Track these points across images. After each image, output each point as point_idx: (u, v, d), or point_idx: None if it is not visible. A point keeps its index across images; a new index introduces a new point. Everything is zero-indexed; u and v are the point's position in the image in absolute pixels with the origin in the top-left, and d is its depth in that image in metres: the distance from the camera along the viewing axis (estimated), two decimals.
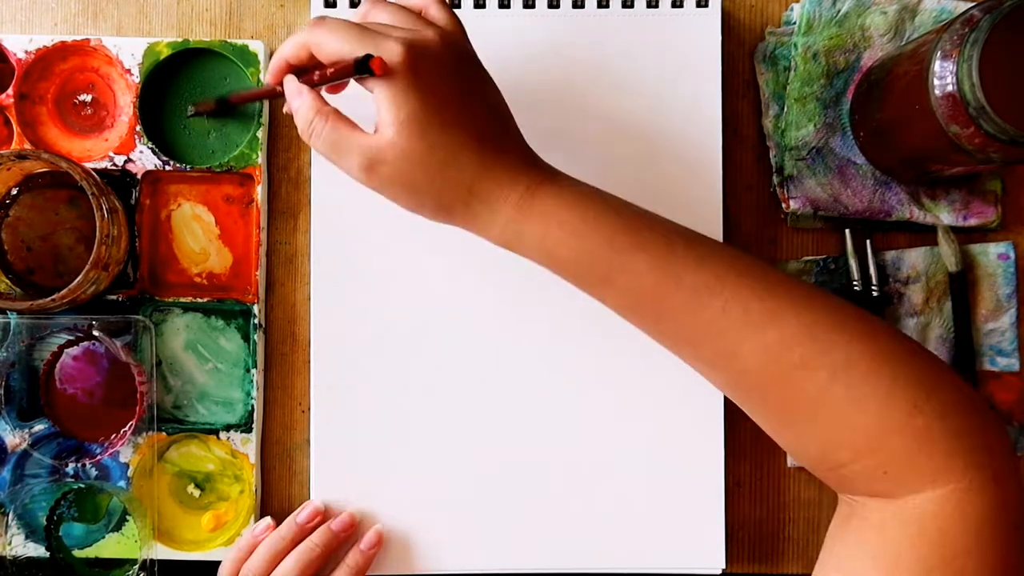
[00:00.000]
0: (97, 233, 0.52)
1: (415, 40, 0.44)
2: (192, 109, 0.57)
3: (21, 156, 0.53)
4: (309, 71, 0.47)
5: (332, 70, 0.45)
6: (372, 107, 0.44)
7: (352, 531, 0.56)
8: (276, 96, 0.50)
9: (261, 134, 0.57)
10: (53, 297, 0.51)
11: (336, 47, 0.44)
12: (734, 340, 0.43)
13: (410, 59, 0.43)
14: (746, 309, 0.43)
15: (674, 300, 0.44)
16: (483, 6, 0.57)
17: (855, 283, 0.57)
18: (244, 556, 0.56)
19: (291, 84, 0.47)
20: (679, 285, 0.43)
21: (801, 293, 0.43)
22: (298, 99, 0.46)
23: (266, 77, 0.50)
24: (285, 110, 0.49)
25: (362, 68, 0.42)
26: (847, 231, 0.58)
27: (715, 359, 0.44)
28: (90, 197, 0.52)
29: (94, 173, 0.53)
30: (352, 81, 0.45)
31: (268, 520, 0.56)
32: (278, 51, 0.47)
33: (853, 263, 0.57)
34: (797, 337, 0.42)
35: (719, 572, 0.57)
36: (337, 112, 0.45)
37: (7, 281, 0.56)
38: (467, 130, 0.44)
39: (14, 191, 0.57)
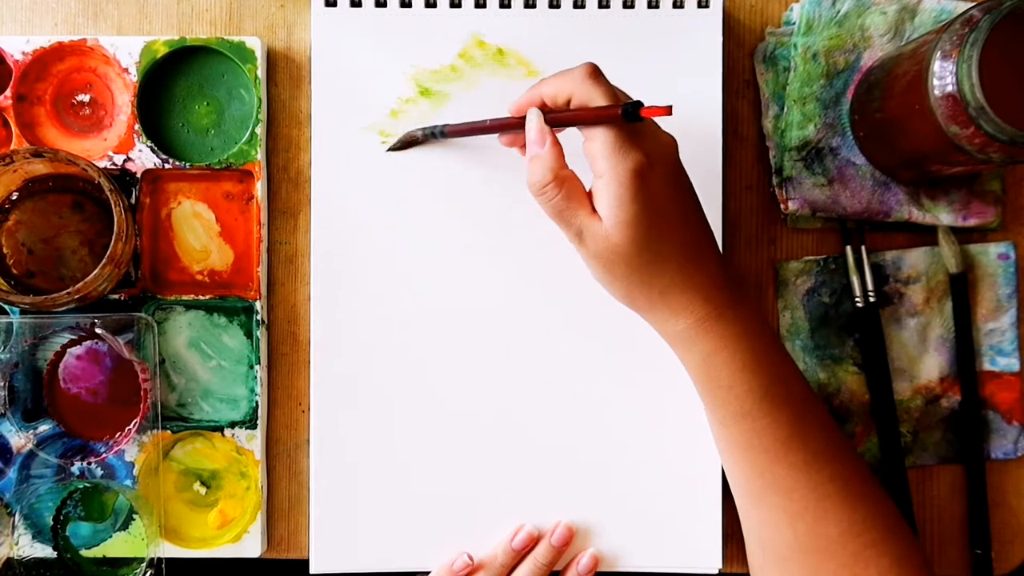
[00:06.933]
0: (115, 228, 0.52)
1: (660, 146, 0.46)
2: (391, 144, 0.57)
3: (37, 154, 0.53)
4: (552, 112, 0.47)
5: (581, 114, 0.46)
6: None
7: (571, 542, 0.57)
8: (497, 132, 0.51)
9: (260, 130, 0.57)
10: (68, 290, 0.51)
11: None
12: (823, 505, 0.46)
13: (644, 167, 0.44)
14: (846, 485, 0.47)
15: (794, 456, 0.46)
16: (483, 6, 0.57)
17: (856, 299, 0.58)
18: None
19: (536, 122, 0.47)
20: (804, 446, 0.47)
21: (876, 491, 0.48)
22: (539, 149, 0.47)
23: (511, 107, 0.50)
24: (505, 142, 0.52)
25: (631, 115, 0.43)
26: (847, 244, 0.58)
27: (792, 512, 0.47)
28: (107, 192, 0.52)
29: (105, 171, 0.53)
30: None
31: (465, 557, 0.56)
32: (535, 87, 0.48)
33: (854, 278, 0.57)
34: (860, 524, 0.46)
35: (715, 572, 0.57)
36: (572, 180, 0.46)
37: (7, 286, 0.56)
38: (675, 243, 0.46)
39: (14, 196, 0.57)
